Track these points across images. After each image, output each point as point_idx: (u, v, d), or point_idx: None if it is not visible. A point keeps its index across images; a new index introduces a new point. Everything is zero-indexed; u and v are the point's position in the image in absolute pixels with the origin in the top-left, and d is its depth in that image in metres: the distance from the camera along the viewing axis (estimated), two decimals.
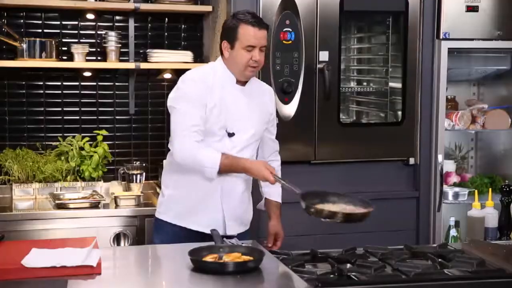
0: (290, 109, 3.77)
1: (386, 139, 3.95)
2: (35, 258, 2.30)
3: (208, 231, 2.76)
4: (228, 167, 2.81)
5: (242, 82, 2.97)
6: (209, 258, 2.43)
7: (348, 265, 2.51)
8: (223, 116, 2.89)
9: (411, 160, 3.99)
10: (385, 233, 3.84)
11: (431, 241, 3.95)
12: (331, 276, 2.41)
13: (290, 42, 3.74)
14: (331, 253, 2.69)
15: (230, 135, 2.92)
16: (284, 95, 3.75)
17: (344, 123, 3.96)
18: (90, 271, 2.28)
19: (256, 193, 3.19)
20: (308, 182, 3.81)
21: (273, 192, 3.13)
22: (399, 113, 3.98)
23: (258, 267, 2.39)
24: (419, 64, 3.94)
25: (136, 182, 3.94)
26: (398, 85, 3.99)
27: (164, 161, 3.38)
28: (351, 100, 4.28)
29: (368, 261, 2.58)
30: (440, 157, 3.96)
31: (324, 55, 3.78)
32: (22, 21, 4.02)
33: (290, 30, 3.73)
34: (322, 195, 2.69)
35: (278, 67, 3.73)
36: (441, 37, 3.93)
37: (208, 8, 4.08)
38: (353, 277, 2.36)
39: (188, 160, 2.84)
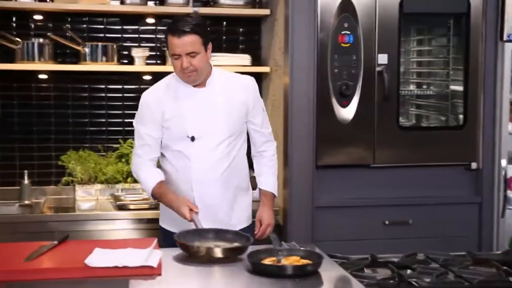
0: (348, 112, 3.74)
1: (447, 143, 3.88)
2: (98, 258, 2.35)
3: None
4: (158, 196, 2.96)
5: (202, 84, 2.96)
6: (268, 261, 2.43)
7: (409, 271, 2.47)
8: (182, 122, 2.93)
9: (473, 165, 3.90)
10: (446, 239, 3.78)
11: (494, 248, 3.85)
12: (391, 281, 2.38)
13: (349, 45, 3.71)
14: (391, 258, 2.65)
15: (192, 139, 2.93)
16: (342, 98, 3.73)
17: (404, 127, 3.90)
18: (150, 272, 2.31)
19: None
20: (367, 186, 3.82)
21: (264, 181, 3.12)
22: (461, 116, 3.90)
23: (316, 271, 2.37)
24: (481, 66, 3.85)
25: None
26: (460, 88, 3.91)
27: None
28: (411, 103, 4.22)
29: (429, 267, 2.53)
30: (503, 162, 3.86)
31: (383, 58, 3.74)
32: (85, 25, 4.12)
33: (349, 32, 3.70)
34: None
35: (336, 70, 3.71)
36: (504, 39, 3.83)
37: (266, 11, 4.08)
38: (414, 283, 2.32)
39: (135, 176, 3.08)
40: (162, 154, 3.04)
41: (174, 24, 2.85)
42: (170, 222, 3.01)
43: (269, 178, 3.12)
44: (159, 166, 3.07)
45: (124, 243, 2.56)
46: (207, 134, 2.94)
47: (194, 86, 2.95)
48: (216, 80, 2.99)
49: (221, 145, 2.95)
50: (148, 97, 3.00)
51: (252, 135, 3.11)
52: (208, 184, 2.95)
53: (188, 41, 2.81)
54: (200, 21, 2.89)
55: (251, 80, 3.09)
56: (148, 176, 2.97)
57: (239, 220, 3.03)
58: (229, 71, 3.16)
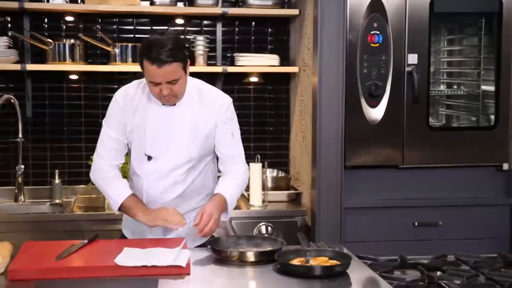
0: (377, 113, 3.72)
1: (478, 144, 3.83)
2: (127, 257, 2.37)
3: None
4: (126, 210, 2.75)
5: None
6: (296, 261, 2.42)
7: (439, 273, 2.45)
8: (142, 138, 2.74)
9: (505, 166, 3.86)
10: (476, 240, 3.75)
11: None
12: (421, 283, 2.35)
13: (378, 45, 3.69)
14: (421, 259, 2.62)
15: (149, 158, 2.75)
16: (372, 99, 3.71)
17: (434, 127, 3.86)
18: (179, 271, 2.32)
19: None
20: (395, 187, 3.80)
21: (220, 186, 2.79)
22: (492, 116, 3.85)
23: (345, 272, 2.36)
24: None
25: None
26: (491, 88, 3.86)
27: None
28: (441, 103, 4.18)
29: (459, 269, 2.50)
30: None
31: (413, 58, 3.71)
32: (115, 26, 4.16)
33: (378, 32, 3.68)
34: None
35: (365, 71, 3.69)
36: None
37: (295, 11, 4.08)
38: (444, 285, 2.29)
39: (98, 185, 2.85)
40: None
41: (152, 51, 2.54)
42: (131, 230, 2.90)
43: (228, 184, 2.80)
44: None
45: (153, 243, 2.58)
46: (165, 155, 2.74)
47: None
48: (188, 97, 2.75)
49: (178, 169, 2.76)
50: (119, 98, 2.77)
51: (220, 158, 2.87)
52: (160, 204, 2.77)
53: (169, 71, 2.56)
54: (178, 44, 2.60)
55: (227, 100, 2.85)
56: (119, 186, 2.76)
57: (193, 238, 2.78)
58: (207, 85, 2.88)
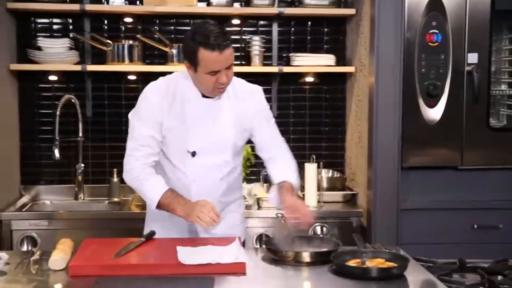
0: (435, 113, 3.67)
1: None
2: (189, 255, 2.38)
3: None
4: (165, 207, 2.64)
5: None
6: (352, 262, 2.41)
7: (500, 277, 2.39)
8: (184, 135, 2.65)
9: None
10: None
11: None
12: (481, 287, 2.30)
13: (437, 44, 3.64)
14: (480, 263, 2.56)
15: (193, 154, 2.68)
16: (430, 99, 3.65)
17: (494, 128, 3.77)
18: (237, 270, 2.33)
19: None
20: (454, 188, 3.73)
21: (281, 173, 2.76)
22: None
23: (402, 274, 2.33)
24: None
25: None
26: None
27: None
28: (502, 103, 4.07)
29: None
30: None
31: (473, 57, 3.64)
32: (172, 27, 4.21)
33: (437, 31, 3.62)
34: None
35: (423, 70, 3.63)
36: None
37: (352, 11, 4.05)
38: None
39: (133, 185, 2.72)
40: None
41: (211, 39, 2.50)
42: (156, 226, 2.81)
43: (286, 171, 2.76)
44: None
45: (205, 241, 2.59)
46: (210, 150, 2.69)
47: (203, 96, 2.69)
48: (229, 89, 2.71)
49: (224, 164, 2.73)
50: (152, 95, 2.69)
51: (262, 147, 2.84)
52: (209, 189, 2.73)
53: (229, 55, 2.55)
54: (223, 27, 2.61)
55: (258, 88, 2.84)
56: (154, 184, 2.66)
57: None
58: (235, 77, 2.77)
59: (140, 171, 2.68)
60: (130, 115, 2.74)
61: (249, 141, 4.14)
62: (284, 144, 2.90)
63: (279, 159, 2.83)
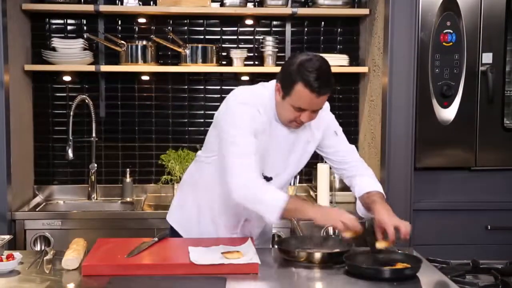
0: (449, 113, 3.65)
1: None
2: (201, 255, 2.38)
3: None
4: (292, 212, 2.47)
5: None
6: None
7: None
8: (261, 159, 2.53)
9: None
10: None
11: None
12: None
13: (451, 44, 3.62)
14: (494, 264, 2.55)
15: (268, 179, 2.61)
16: (443, 99, 3.64)
17: (509, 128, 3.75)
18: (249, 270, 2.33)
19: None
20: (468, 189, 3.71)
21: (366, 184, 2.72)
22: None
23: (415, 275, 2.32)
24: None
25: (290, 184, 3.98)
26: None
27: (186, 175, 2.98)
28: None
29: None
30: None
31: (487, 57, 3.62)
32: (185, 28, 4.22)
33: (451, 31, 3.60)
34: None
35: (437, 70, 3.62)
36: None
37: (365, 11, 4.04)
38: None
39: (250, 198, 2.45)
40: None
41: (317, 80, 2.40)
42: (178, 222, 2.84)
43: (371, 179, 2.76)
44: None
45: (215, 242, 2.59)
46: (281, 174, 2.67)
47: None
48: None
49: (286, 185, 2.79)
50: (255, 110, 2.53)
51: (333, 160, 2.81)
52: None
53: (323, 100, 2.48)
54: (331, 73, 2.49)
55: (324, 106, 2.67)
56: (274, 192, 2.46)
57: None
58: None
59: (257, 182, 2.48)
60: (223, 126, 2.54)
61: None
62: (355, 151, 2.85)
63: (360, 170, 2.79)
